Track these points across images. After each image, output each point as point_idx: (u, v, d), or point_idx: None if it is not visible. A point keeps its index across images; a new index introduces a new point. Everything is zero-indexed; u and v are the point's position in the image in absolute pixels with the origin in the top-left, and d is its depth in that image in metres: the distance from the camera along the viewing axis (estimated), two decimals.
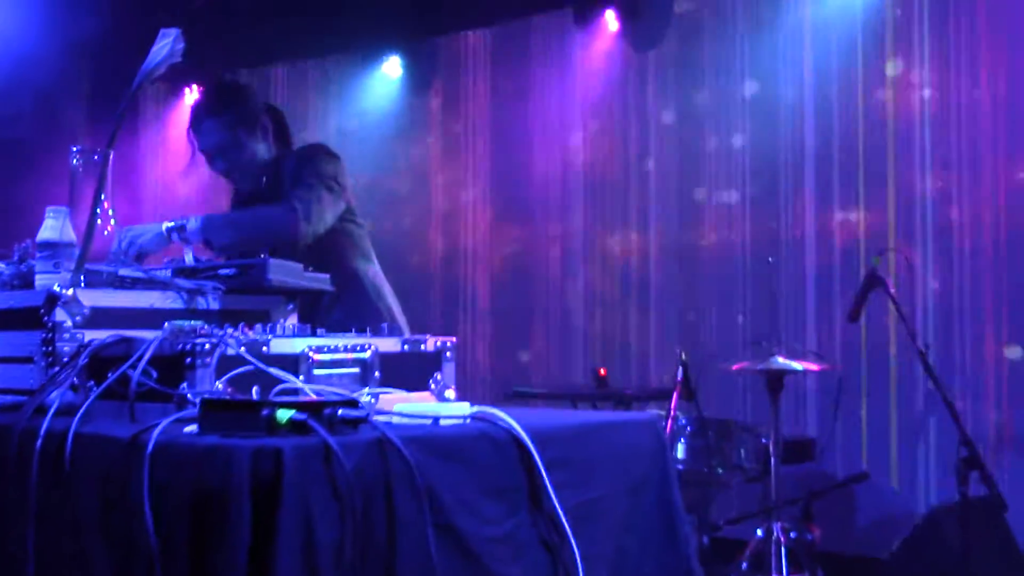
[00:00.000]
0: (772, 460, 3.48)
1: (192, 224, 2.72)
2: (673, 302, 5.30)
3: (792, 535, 3.45)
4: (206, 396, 1.49)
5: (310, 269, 2.33)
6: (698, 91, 5.26)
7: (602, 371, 4.73)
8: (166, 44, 2.22)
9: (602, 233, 5.57)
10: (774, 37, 4.98)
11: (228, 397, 1.49)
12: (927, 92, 4.61)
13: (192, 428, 1.46)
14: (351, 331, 2.75)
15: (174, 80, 6.80)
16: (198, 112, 3.07)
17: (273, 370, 1.68)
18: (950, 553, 3.37)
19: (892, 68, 4.73)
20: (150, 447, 1.38)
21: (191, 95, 6.87)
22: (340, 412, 1.38)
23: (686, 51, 5.30)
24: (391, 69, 6.26)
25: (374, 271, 3.11)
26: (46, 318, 2.02)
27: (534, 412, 1.97)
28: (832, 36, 4.85)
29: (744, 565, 3.51)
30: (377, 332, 2.02)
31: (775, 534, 3.43)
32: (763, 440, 3.62)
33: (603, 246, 5.57)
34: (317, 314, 2.87)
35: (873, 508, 4.29)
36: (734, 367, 3.58)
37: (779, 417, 3.49)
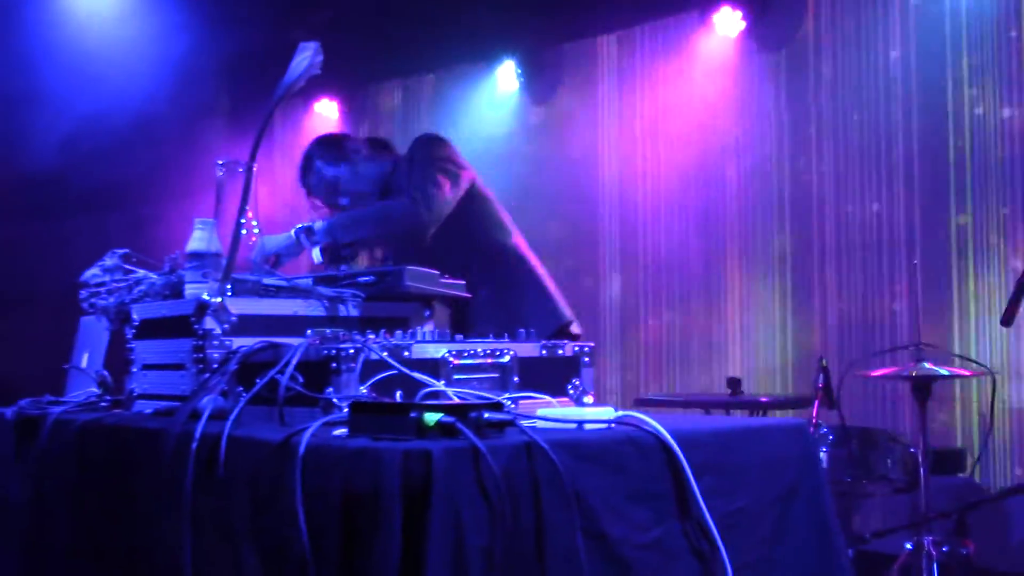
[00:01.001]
0: (921, 471, 3.32)
1: (319, 225, 2.81)
2: (812, 306, 5.15)
3: (944, 549, 3.28)
4: (354, 399, 1.50)
5: (446, 277, 2.34)
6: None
7: (736, 377, 4.62)
8: (305, 57, 2.27)
9: (747, 236, 5.45)
10: None
11: (376, 400, 1.50)
12: None
13: (341, 431, 1.47)
14: (504, 301, 2.88)
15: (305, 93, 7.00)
16: (300, 176, 3.21)
17: (416, 374, 1.69)
18: None
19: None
20: (302, 449, 1.40)
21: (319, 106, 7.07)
22: (486, 415, 1.37)
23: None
24: (507, 78, 6.23)
25: (514, 241, 3.08)
26: (196, 326, 2.09)
27: (678, 417, 1.93)
28: None
29: None
30: (515, 337, 2.01)
31: (926, 548, 3.27)
32: (911, 450, 3.46)
33: (750, 249, 5.44)
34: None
35: None
36: (878, 373, 3.43)
37: (927, 426, 3.33)
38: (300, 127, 7.16)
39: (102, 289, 2.50)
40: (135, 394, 2.31)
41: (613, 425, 1.58)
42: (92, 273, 2.53)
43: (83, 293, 2.52)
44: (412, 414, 1.34)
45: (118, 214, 6.11)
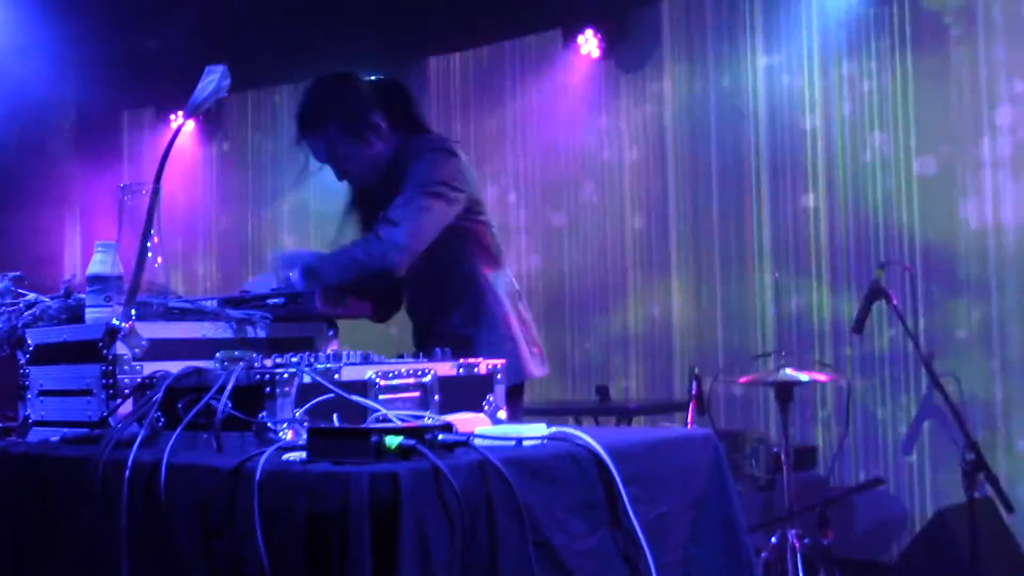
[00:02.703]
0: (784, 469, 3.57)
1: (294, 277, 2.57)
2: (680, 317, 5.40)
3: (806, 541, 3.54)
4: (312, 425, 1.55)
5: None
6: None
7: (605, 385, 4.82)
8: (212, 80, 2.26)
9: (603, 244, 5.65)
10: None
11: (335, 426, 1.55)
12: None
13: (294, 456, 1.51)
14: (466, 336, 2.69)
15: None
16: (298, 126, 2.83)
17: (355, 398, 1.74)
18: (958, 556, 3.48)
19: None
20: (259, 474, 1.43)
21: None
22: (440, 436, 1.44)
23: None
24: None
25: (495, 274, 2.83)
26: (106, 351, 2.06)
27: (603, 430, 2.04)
28: None
29: (759, 573, 3.59)
30: (431, 356, 2.09)
31: (790, 540, 3.52)
32: (774, 450, 3.71)
33: (604, 258, 5.65)
34: (435, 317, 2.79)
35: (877, 513, 4.40)
36: (744, 380, 3.67)
37: (788, 428, 3.58)
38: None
39: None
40: (31, 420, 2.25)
41: (547, 441, 1.67)
42: None
43: None
44: (373, 438, 1.40)
45: None
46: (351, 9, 5.40)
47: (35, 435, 2.21)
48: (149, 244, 2.28)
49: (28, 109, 5.79)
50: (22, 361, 2.31)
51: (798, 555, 3.48)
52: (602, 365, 5.61)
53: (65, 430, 2.12)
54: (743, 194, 5.22)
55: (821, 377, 3.72)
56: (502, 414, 2.13)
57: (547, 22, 5.67)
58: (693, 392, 3.57)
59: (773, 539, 3.60)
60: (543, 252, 5.86)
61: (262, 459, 1.46)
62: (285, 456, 1.53)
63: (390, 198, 2.69)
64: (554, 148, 5.83)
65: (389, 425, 1.49)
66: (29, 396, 2.28)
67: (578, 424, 4.79)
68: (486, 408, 2.10)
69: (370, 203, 2.86)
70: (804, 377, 3.55)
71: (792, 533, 3.52)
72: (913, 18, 4.79)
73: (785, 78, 5.13)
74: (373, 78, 2.92)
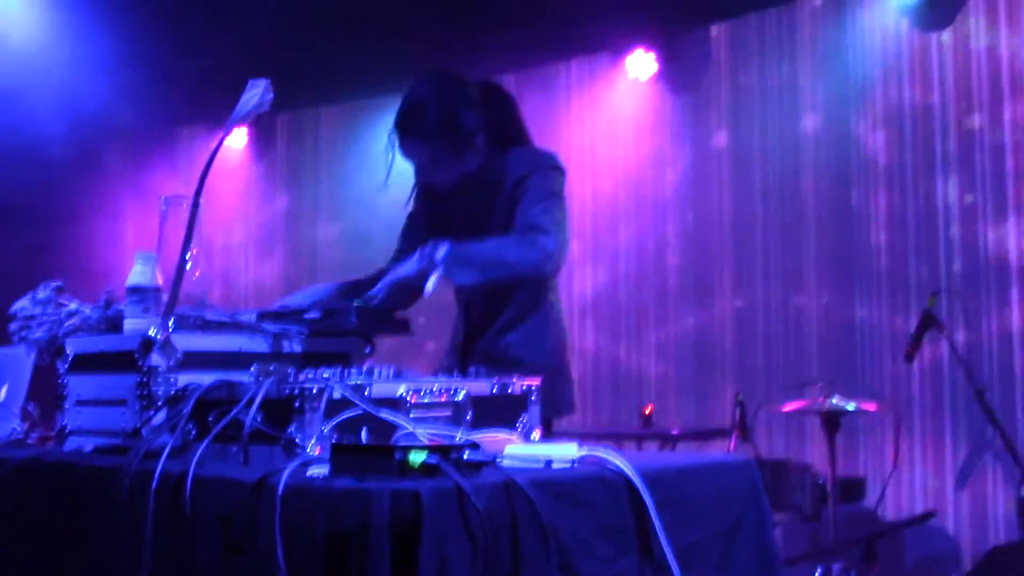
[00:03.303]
0: (829, 500, 3.48)
1: (440, 253, 2.49)
2: (724, 342, 5.33)
3: (851, 574, 3.44)
4: (336, 441, 1.53)
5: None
6: None
7: (647, 409, 4.75)
8: (255, 94, 2.28)
9: (652, 267, 5.61)
10: None
11: (360, 442, 1.53)
12: None
13: (317, 471, 1.49)
14: (519, 357, 2.60)
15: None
16: (403, 123, 2.67)
17: (384, 414, 1.72)
18: None
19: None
20: (281, 489, 1.42)
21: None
22: (466, 455, 1.41)
23: None
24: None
25: (556, 298, 2.77)
26: (141, 362, 2.06)
27: (635, 454, 2.00)
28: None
29: None
30: (467, 375, 2.06)
31: (834, 574, 3.43)
32: (819, 481, 3.63)
33: (651, 280, 5.60)
34: (488, 330, 2.71)
35: (928, 548, 4.28)
36: (790, 407, 3.59)
37: (836, 457, 3.49)
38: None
39: (32, 322, 2.45)
40: (68, 430, 2.26)
41: (577, 464, 1.63)
42: (22, 305, 2.47)
43: (12, 326, 2.45)
44: (397, 455, 1.37)
45: (18, 237, 5.93)
46: (400, 29, 5.43)
47: (71, 444, 2.22)
48: (188, 256, 2.30)
49: (84, 124, 5.90)
50: (61, 370, 2.33)
51: None
52: (646, 389, 5.54)
53: (100, 439, 2.13)
54: (793, 216, 5.14)
55: (870, 406, 3.62)
56: (536, 435, 2.09)
57: (596, 44, 5.65)
58: (736, 419, 3.50)
59: (818, 572, 3.51)
60: (591, 274, 5.82)
61: (284, 474, 1.45)
62: (309, 471, 1.51)
63: (479, 208, 2.65)
64: (603, 169, 5.80)
65: (414, 443, 1.46)
66: (67, 405, 2.30)
67: (620, 449, 4.74)
68: (520, 427, 2.07)
69: (440, 208, 2.79)
70: (851, 406, 3.46)
71: (836, 567, 3.43)
72: None
73: (838, 101, 5.05)
74: (477, 82, 2.78)
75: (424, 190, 2.85)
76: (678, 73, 5.51)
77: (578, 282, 5.85)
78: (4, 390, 2.73)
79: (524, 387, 2.09)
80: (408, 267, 2.53)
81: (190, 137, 7.15)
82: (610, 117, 5.76)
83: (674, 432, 4.54)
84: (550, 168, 2.69)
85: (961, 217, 4.68)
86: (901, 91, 4.90)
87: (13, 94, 5.37)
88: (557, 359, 2.71)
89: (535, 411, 2.10)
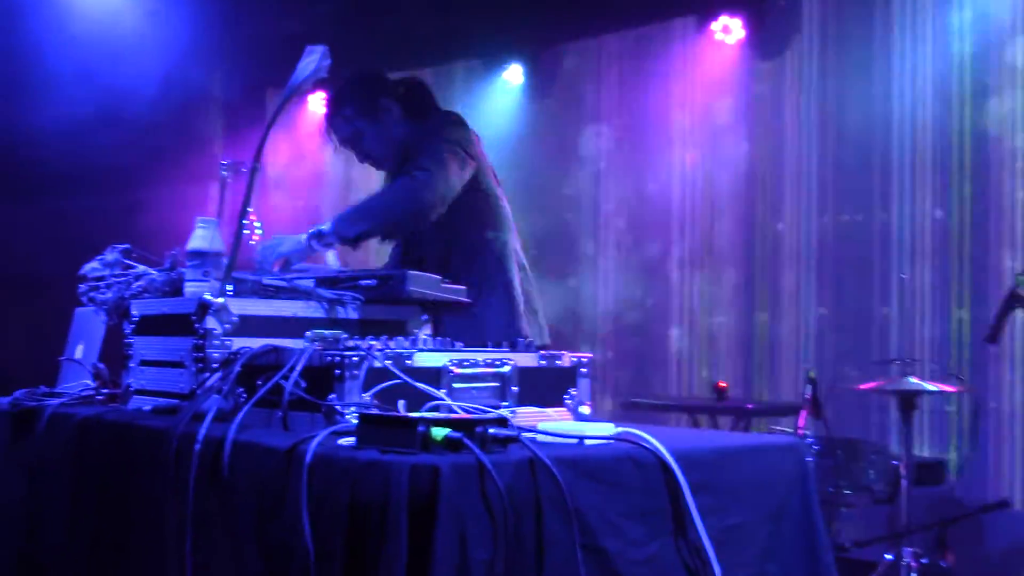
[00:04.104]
0: (903, 483, 3.37)
1: (326, 227, 2.74)
2: (803, 316, 5.19)
3: (923, 561, 3.34)
4: (363, 411, 1.53)
5: (446, 281, 2.36)
6: None
7: (722, 384, 4.68)
8: (312, 60, 2.28)
9: (732, 241, 5.50)
10: None
11: (384, 413, 1.52)
12: None
13: (347, 440, 1.49)
14: (472, 303, 2.65)
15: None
16: (326, 113, 3.12)
17: (420, 385, 1.71)
18: None
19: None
20: (308, 457, 1.42)
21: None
22: (491, 431, 1.40)
23: None
24: (512, 76, 6.30)
25: (503, 241, 2.98)
26: (198, 325, 2.10)
27: (676, 433, 1.96)
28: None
29: None
30: (514, 345, 2.04)
31: (905, 559, 3.33)
32: (893, 462, 3.51)
33: (735, 253, 5.49)
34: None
35: (1006, 536, 4.12)
36: (864, 386, 3.48)
37: (911, 439, 3.38)
38: (295, 121, 7.16)
39: (101, 283, 2.52)
40: (132, 389, 2.33)
41: (613, 442, 1.60)
42: (92, 267, 2.54)
43: (82, 287, 2.53)
44: (420, 428, 1.37)
45: (110, 199, 6.11)
46: None
47: (135, 403, 2.28)
48: (246, 221, 2.32)
49: (177, 89, 6.03)
50: (127, 331, 2.39)
51: (912, 574, 3.28)
52: (722, 364, 5.45)
53: (159, 400, 2.18)
54: (876, 191, 4.96)
55: (948, 387, 3.49)
56: (585, 409, 2.06)
57: (681, 9, 5.53)
58: (807, 396, 3.41)
59: (888, 556, 3.41)
60: (675, 243, 5.73)
61: (313, 443, 1.45)
62: (340, 440, 1.51)
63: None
64: (687, 136, 5.69)
65: (440, 416, 1.45)
66: (132, 365, 2.36)
67: (695, 423, 4.69)
68: (568, 402, 2.05)
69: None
70: (930, 387, 3.34)
71: (908, 552, 3.32)
72: None
73: (931, 72, 4.84)
74: (396, 76, 3.17)
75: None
76: (764, 39, 5.36)
77: (659, 250, 5.77)
78: (81, 348, 2.82)
79: (573, 360, 2.06)
80: (291, 243, 2.73)
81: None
82: (695, 81, 5.64)
83: (748, 407, 4.46)
84: (450, 121, 2.97)
85: None
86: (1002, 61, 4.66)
87: (108, 58, 5.51)
88: (502, 293, 2.90)
89: (584, 385, 2.07)
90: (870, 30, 5.04)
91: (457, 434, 1.36)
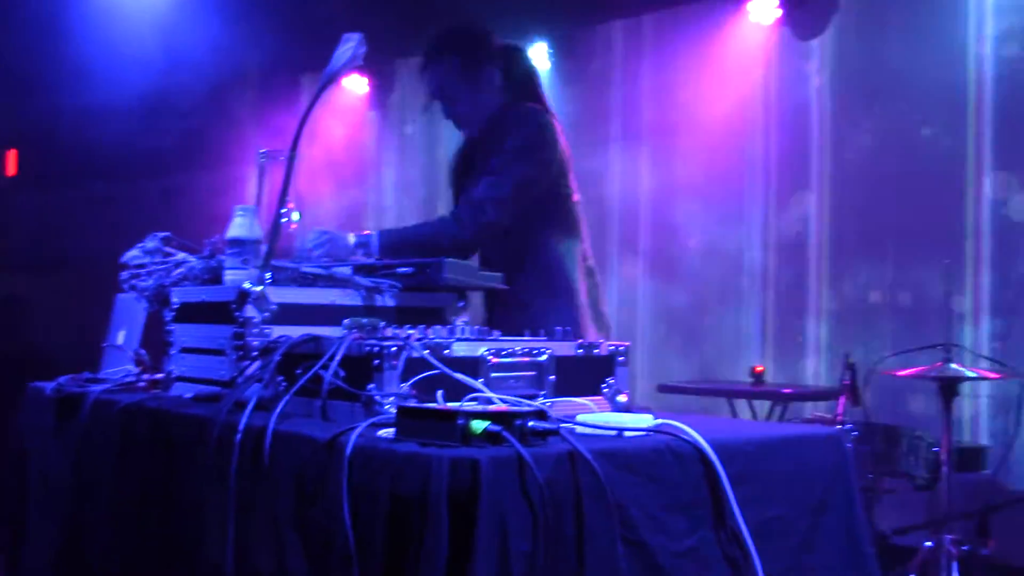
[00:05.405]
0: (944, 469, 3.34)
1: (372, 242, 2.73)
2: (839, 299, 5.14)
3: (964, 548, 3.31)
4: (402, 404, 1.53)
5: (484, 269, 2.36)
6: None
7: (758, 368, 4.65)
8: (349, 48, 2.27)
9: (769, 224, 5.45)
10: None
11: (424, 406, 1.53)
12: None
13: (387, 432, 1.50)
14: (527, 301, 2.74)
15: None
16: (423, 55, 3.00)
17: (459, 376, 1.71)
18: None
19: None
20: (349, 449, 1.43)
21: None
22: (531, 423, 1.40)
23: None
24: (539, 58, 6.19)
25: (568, 244, 2.90)
26: (237, 313, 2.12)
27: (715, 423, 1.95)
28: None
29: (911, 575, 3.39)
30: (551, 334, 2.03)
31: (945, 546, 3.30)
32: (934, 448, 3.48)
33: (769, 237, 5.44)
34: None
35: None
36: (904, 372, 3.44)
37: (951, 426, 3.34)
38: (326, 104, 7.16)
39: (142, 271, 2.54)
40: (173, 376, 2.35)
41: (652, 433, 1.60)
42: (133, 254, 2.56)
43: (123, 274, 2.55)
44: (459, 421, 1.37)
45: (148, 183, 6.17)
46: None
47: (176, 390, 2.30)
48: (285, 209, 2.33)
49: (211, 72, 6.06)
50: (168, 318, 2.41)
51: (954, 563, 3.26)
52: (759, 348, 5.41)
53: (201, 387, 2.21)
54: (915, 174, 4.88)
55: (991, 374, 3.44)
56: (622, 398, 2.06)
57: None
58: (846, 382, 3.38)
59: (928, 543, 3.38)
60: (711, 226, 5.68)
61: (354, 435, 1.46)
62: (380, 432, 1.52)
63: (486, 159, 2.83)
64: (720, 117, 5.63)
65: (479, 408, 1.45)
66: (172, 352, 2.39)
67: (731, 407, 4.66)
68: (605, 391, 2.04)
69: (468, 164, 3.01)
70: (971, 373, 3.30)
71: (948, 539, 3.29)
72: None
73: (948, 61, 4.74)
74: (503, 42, 3.04)
75: (461, 143, 3.07)
76: (801, 19, 5.28)
77: (692, 233, 5.73)
78: (123, 335, 2.86)
79: (611, 348, 2.06)
80: (336, 245, 2.68)
81: (313, 85, 7.27)
82: (730, 62, 5.57)
83: (785, 391, 4.43)
84: (527, 121, 2.84)
85: None
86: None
87: (146, 43, 5.55)
88: (564, 299, 2.83)
89: (622, 374, 2.07)
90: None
91: (496, 427, 1.36)
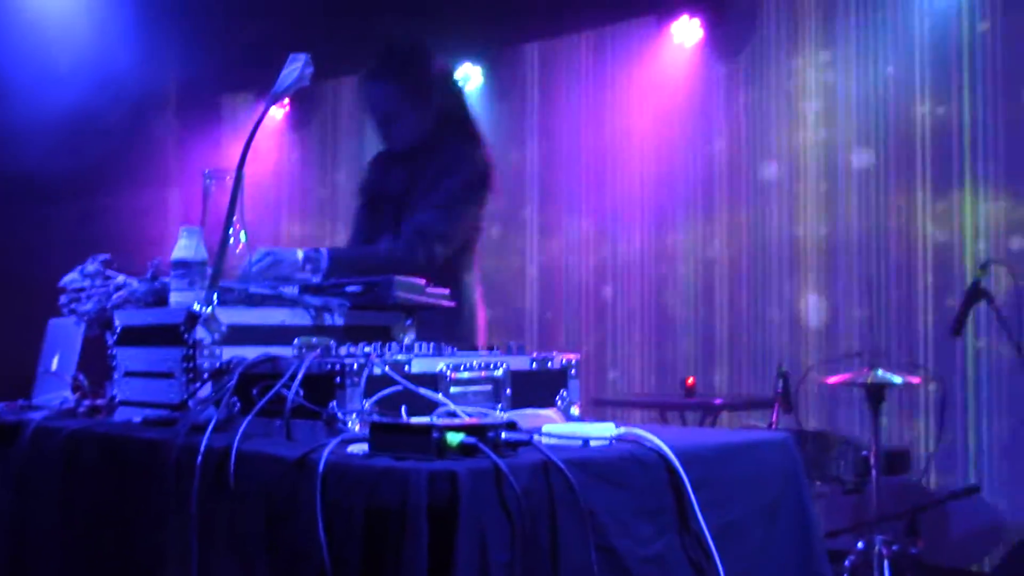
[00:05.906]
0: (873, 473, 3.45)
1: (321, 262, 2.71)
2: (768, 311, 5.28)
3: (894, 548, 3.42)
4: (373, 419, 1.54)
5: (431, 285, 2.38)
6: None
7: (690, 380, 4.74)
8: (295, 68, 2.28)
9: (696, 238, 5.57)
10: None
11: (397, 420, 1.54)
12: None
13: (357, 448, 1.51)
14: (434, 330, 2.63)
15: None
16: (372, 72, 2.96)
17: (423, 390, 1.73)
18: None
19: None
20: (321, 467, 1.44)
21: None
22: (503, 435, 1.42)
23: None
24: (472, 78, 6.33)
25: (472, 279, 3.00)
26: (187, 335, 2.10)
27: (672, 431, 2.00)
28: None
29: None
30: (506, 348, 2.06)
31: (876, 547, 3.41)
32: (863, 453, 3.60)
33: (696, 252, 5.56)
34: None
35: (972, 522, 4.24)
36: (833, 380, 3.55)
37: (879, 430, 3.46)
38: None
39: (81, 294, 2.49)
40: (117, 400, 2.31)
41: (615, 442, 1.64)
42: (71, 278, 2.52)
43: (62, 298, 2.50)
44: (434, 434, 1.39)
45: (68, 206, 6.02)
46: None
47: (121, 414, 2.26)
48: (231, 230, 2.32)
49: (131, 92, 5.96)
50: (110, 342, 2.37)
51: (885, 562, 3.37)
52: (692, 361, 5.52)
53: (148, 411, 2.17)
54: (847, 188, 5.05)
55: (915, 379, 3.58)
56: (575, 410, 2.10)
57: (641, 8, 5.60)
58: (779, 390, 3.48)
59: (860, 545, 3.49)
60: (640, 243, 5.79)
61: (325, 451, 1.47)
62: (349, 448, 1.53)
63: (430, 185, 2.87)
64: (650, 137, 5.75)
65: (452, 422, 1.47)
66: (116, 376, 2.34)
67: (664, 419, 4.74)
68: (559, 403, 2.08)
69: (381, 176, 3.07)
70: (897, 379, 3.42)
71: (879, 539, 3.41)
72: None
73: (889, 68, 4.94)
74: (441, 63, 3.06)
75: (377, 156, 3.12)
76: (723, 40, 5.43)
77: (622, 248, 5.82)
78: (56, 360, 2.79)
79: (563, 362, 2.09)
80: (284, 264, 2.62)
81: (233, 107, 7.20)
82: (654, 83, 5.70)
83: (716, 402, 4.53)
84: (469, 172, 2.88)
85: None
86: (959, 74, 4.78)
87: (61, 64, 5.44)
88: (470, 340, 2.89)
89: (575, 386, 2.11)
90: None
91: (472, 439, 1.38)
